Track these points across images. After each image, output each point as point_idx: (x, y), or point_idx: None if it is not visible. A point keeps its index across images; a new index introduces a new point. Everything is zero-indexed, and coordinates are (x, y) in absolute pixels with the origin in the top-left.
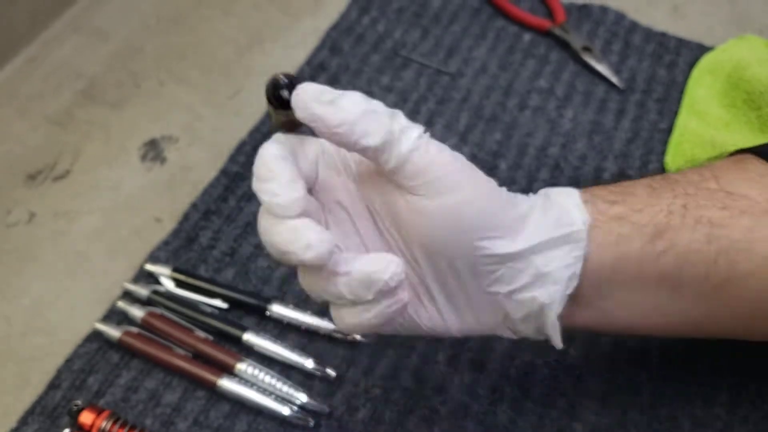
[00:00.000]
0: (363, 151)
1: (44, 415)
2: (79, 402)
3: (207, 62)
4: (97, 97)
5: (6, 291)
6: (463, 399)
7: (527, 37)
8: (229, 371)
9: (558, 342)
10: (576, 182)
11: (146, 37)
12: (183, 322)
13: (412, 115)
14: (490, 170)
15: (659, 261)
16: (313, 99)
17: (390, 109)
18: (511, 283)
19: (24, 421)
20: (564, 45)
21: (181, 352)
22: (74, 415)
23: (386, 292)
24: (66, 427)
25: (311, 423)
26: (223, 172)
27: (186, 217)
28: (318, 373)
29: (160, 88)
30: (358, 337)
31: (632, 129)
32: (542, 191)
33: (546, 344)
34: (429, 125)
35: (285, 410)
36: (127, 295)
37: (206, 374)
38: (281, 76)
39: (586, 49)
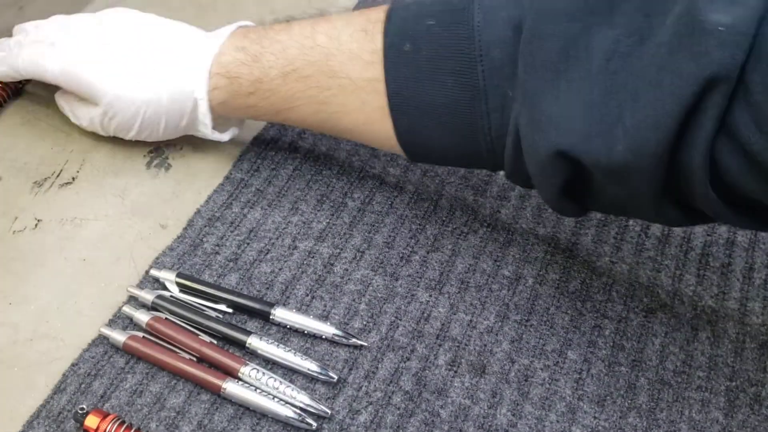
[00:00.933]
0: None
1: (50, 419)
2: (84, 406)
3: None
4: None
5: (12, 297)
6: (463, 402)
7: None
8: (233, 375)
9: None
10: None
11: None
12: (187, 327)
13: None
14: (488, 176)
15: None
16: None
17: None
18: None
19: (30, 425)
20: None
21: (185, 356)
22: (80, 419)
23: None
24: (71, 430)
25: (313, 426)
26: (227, 179)
27: (191, 223)
28: (320, 376)
29: None
30: (359, 340)
31: None
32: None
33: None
34: None
35: (288, 413)
36: (133, 300)
37: (210, 378)
38: None
39: None
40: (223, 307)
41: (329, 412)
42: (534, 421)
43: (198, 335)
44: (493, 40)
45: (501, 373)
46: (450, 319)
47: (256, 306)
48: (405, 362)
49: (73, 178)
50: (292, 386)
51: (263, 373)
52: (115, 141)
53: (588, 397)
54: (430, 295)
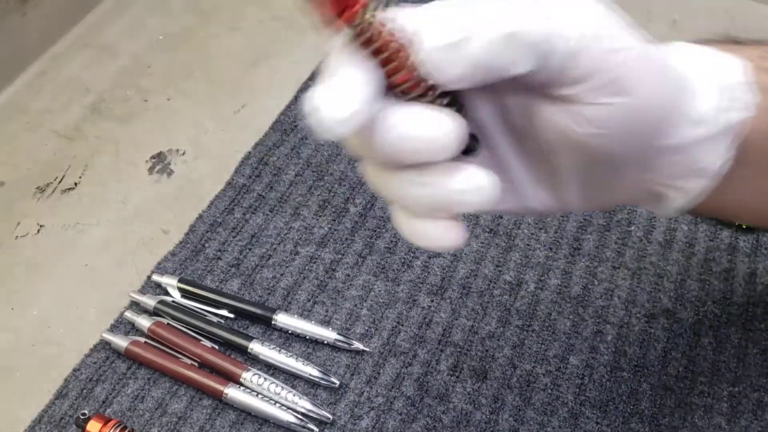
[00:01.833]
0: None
1: (52, 425)
2: (86, 411)
3: (213, 78)
4: (105, 111)
5: (15, 302)
6: (465, 408)
7: None
8: (235, 380)
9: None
10: None
11: (154, 53)
12: (189, 332)
13: None
14: None
15: None
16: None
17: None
18: (664, 176)
19: (32, 430)
20: None
21: (187, 361)
22: (81, 425)
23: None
24: None
25: (315, 431)
26: (229, 184)
27: (192, 228)
28: (322, 381)
29: (168, 103)
30: (361, 346)
31: None
32: (691, 47)
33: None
34: None
35: (289, 418)
36: (134, 306)
37: (212, 383)
38: None
39: None
40: (224, 312)
41: (331, 417)
42: (536, 427)
43: (200, 340)
44: None
45: (503, 378)
46: (452, 325)
47: (258, 311)
48: (407, 367)
49: (76, 184)
50: (294, 391)
51: (265, 379)
52: (118, 147)
53: (590, 402)
54: (432, 301)
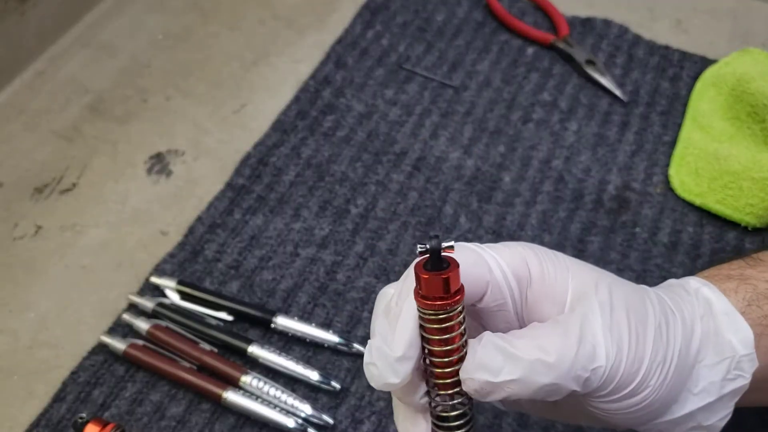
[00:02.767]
0: None
1: (49, 428)
2: (84, 415)
3: (213, 77)
4: (104, 111)
5: (12, 304)
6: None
7: (531, 50)
8: (234, 384)
9: None
10: (580, 195)
11: (153, 52)
12: (188, 335)
13: (417, 128)
14: (493, 183)
15: None
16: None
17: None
18: (668, 431)
19: None
20: (567, 58)
21: (186, 364)
22: (79, 428)
23: None
24: None
25: None
26: (229, 185)
27: (191, 230)
28: (323, 385)
29: (167, 103)
30: (362, 349)
31: (636, 142)
32: (709, 303)
33: None
34: (433, 138)
35: (290, 422)
36: (133, 308)
37: (211, 387)
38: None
39: (590, 62)
40: (224, 314)
41: (332, 421)
42: (540, 431)
43: (198, 343)
44: None
45: None
46: None
47: (258, 314)
48: None
49: (74, 185)
50: (294, 395)
51: (265, 382)
52: (116, 148)
53: None
54: None
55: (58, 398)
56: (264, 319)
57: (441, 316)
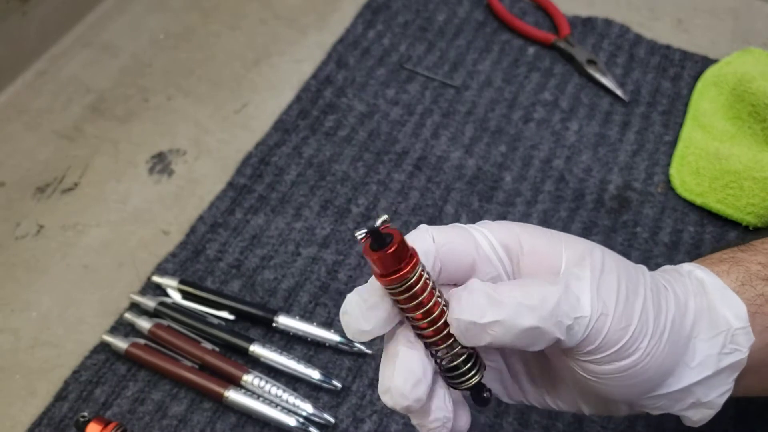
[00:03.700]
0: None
1: (51, 427)
2: (86, 413)
3: (214, 77)
4: (106, 111)
5: (14, 303)
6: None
7: (532, 50)
8: (235, 383)
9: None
10: (581, 194)
11: (154, 52)
12: (190, 334)
13: (418, 128)
14: (495, 182)
15: None
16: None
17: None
18: (668, 409)
19: None
20: (568, 58)
21: (187, 363)
22: (81, 427)
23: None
24: None
25: None
26: (230, 184)
27: (193, 229)
28: (324, 384)
29: (168, 103)
30: (363, 348)
31: (637, 141)
32: (702, 282)
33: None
34: (434, 138)
35: (291, 421)
36: (135, 307)
37: (213, 386)
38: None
39: (591, 61)
40: (225, 314)
41: (333, 420)
42: (541, 431)
43: (200, 342)
44: None
45: None
46: None
47: (259, 313)
48: None
49: (76, 184)
50: (296, 394)
51: (266, 381)
52: (118, 147)
53: None
54: None
55: (60, 397)
56: (265, 318)
57: (405, 286)
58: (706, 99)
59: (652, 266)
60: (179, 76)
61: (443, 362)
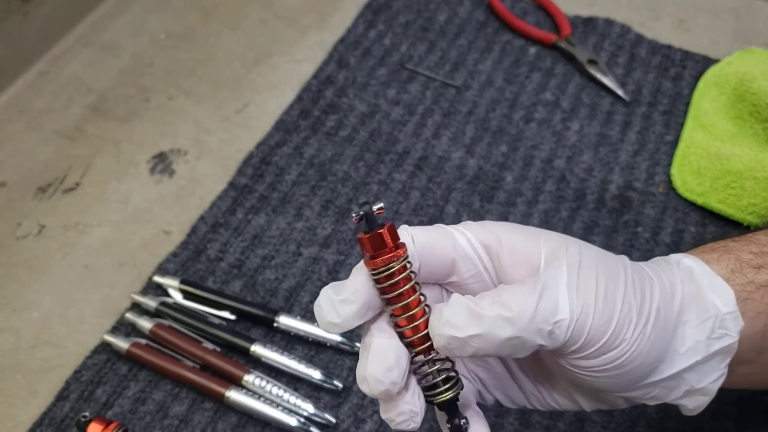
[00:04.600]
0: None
1: (52, 427)
2: (87, 413)
3: (215, 77)
4: (107, 111)
5: (15, 303)
6: None
7: (533, 50)
8: (236, 383)
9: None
10: (582, 194)
11: (155, 52)
12: (191, 334)
13: (419, 128)
14: (496, 182)
15: None
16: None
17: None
18: (663, 398)
19: None
20: (569, 58)
21: (189, 363)
22: (82, 427)
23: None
24: None
25: None
26: (231, 184)
27: (194, 229)
28: (325, 384)
29: (169, 103)
30: None
31: (638, 141)
32: (690, 270)
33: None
34: (435, 137)
35: (292, 421)
36: (136, 307)
37: (214, 386)
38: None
39: (592, 61)
40: (226, 314)
41: (334, 420)
42: (542, 431)
43: (201, 342)
44: None
45: None
46: None
47: (260, 313)
48: None
49: (77, 184)
50: (297, 394)
51: (267, 381)
52: (119, 147)
53: None
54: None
55: (61, 397)
56: (266, 318)
57: (390, 270)
58: (708, 99)
59: None
60: (180, 76)
61: (423, 381)
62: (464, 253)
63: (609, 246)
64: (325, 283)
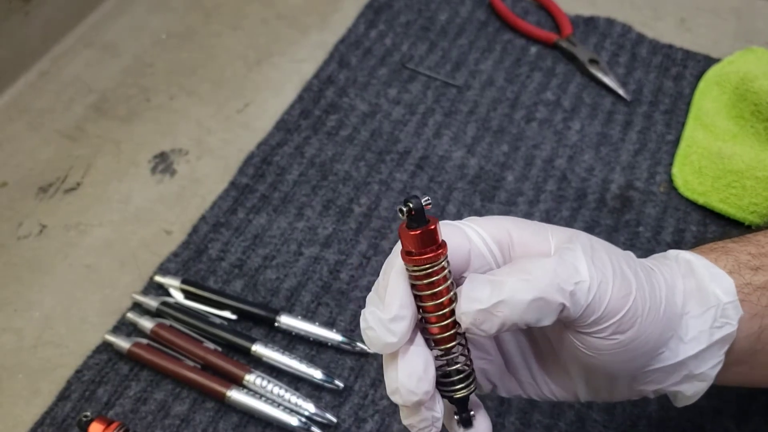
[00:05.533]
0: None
1: (54, 426)
2: (88, 413)
3: (216, 77)
4: (108, 111)
5: (17, 303)
6: None
7: (534, 49)
8: (237, 382)
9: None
10: (583, 194)
11: (156, 52)
12: (192, 334)
13: (420, 127)
14: (497, 182)
15: None
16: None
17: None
18: (662, 383)
19: None
20: (571, 57)
21: (190, 363)
22: (84, 426)
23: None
24: None
25: None
26: (232, 184)
27: (195, 229)
28: (326, 384)
29: (170, 102)
30: (366, 348)
31: (639, 141)
32: (689, 263)
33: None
34: (436, 137)
35: (293, 421)
36: (137, 307)
37: (215, 385)
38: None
39: (593, 61)
40: (227, 313)
41: (335, 420)
42: (543, 430)
43: (202, 342)
44: None
45: None
46: None
47: (261, 313)
48: None
49: (78, 184)
50: (298, 394)
51: (268, 381)
52: (120, 147)
53: (597, 405)
54: None
55: (62, 397)
56: (268, 318)
57: (430, 270)
58: (709, 98)
59: None
60: (181, 75)
61: (440, 366)
62: (477, 249)
63: None
64: (327, 283)
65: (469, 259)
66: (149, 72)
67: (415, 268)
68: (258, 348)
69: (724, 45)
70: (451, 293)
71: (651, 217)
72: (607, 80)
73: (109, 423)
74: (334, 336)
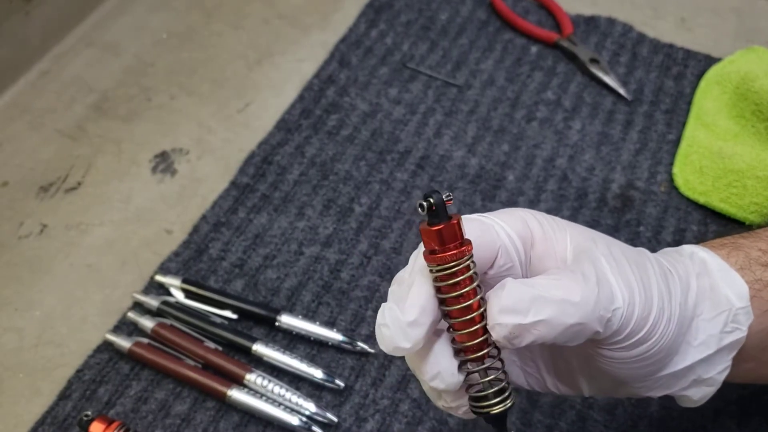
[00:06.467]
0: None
1: (55, 426)
2: (89, 412)
3: (217, 76)
4: (109, 110)
5: (18, 302)
6: None
7: (534, 49)
8: (238, 382)
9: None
10: (584, 193)
11: (157, 52)
12: (193, 333)
13: (421, 127)
14: (497, 181)
15: None
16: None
17: (589, 288)
18: (671, 388)
19: (35, 431)
20: (571, 57)
21: (190, 362)
22: (84, 426)
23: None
24: None
25: None
26: (233, 184)
27: (196, 228)
28: (327, 383)
29: (171, 102)
30: (366, 347)
31: (640, 140)
32: (704, 262)
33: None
34: (437, 137)
35: (294, 420)
36: (138, 306)
37: (216, 385)
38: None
39: (594, 60)
40: (228, 313)
41: (336, 419)
42: (544, 430)
43: (203, 342)
44: None
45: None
46: None
47: (262, 312)
48: None
49: (79, 183)
50: (298, 393)
51: (269, 380)
52: (121, 147)
53: (598, 405)
54: None
55: (63, 396)
56: (268, 317)
57: (454, 268)
58: (710, 98)
59: None
60: (182, 75)
61: (473, 389)
62: (504, 246)
63: None
64: (327, 283)
65: (495, 257)
66: (150, 72)
67: (439, 268)
68: (259, 347)
69: (725, 44)
70: (479, 296)
71: (652, 217)
72: (608, 80)
73: (109, 422)
74: (334, 335)
